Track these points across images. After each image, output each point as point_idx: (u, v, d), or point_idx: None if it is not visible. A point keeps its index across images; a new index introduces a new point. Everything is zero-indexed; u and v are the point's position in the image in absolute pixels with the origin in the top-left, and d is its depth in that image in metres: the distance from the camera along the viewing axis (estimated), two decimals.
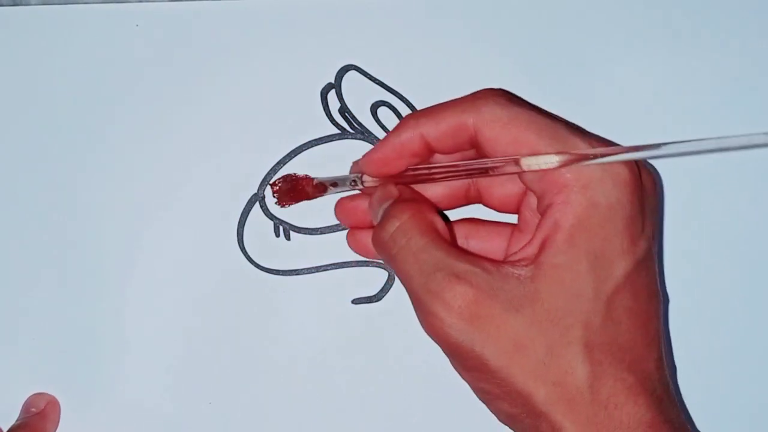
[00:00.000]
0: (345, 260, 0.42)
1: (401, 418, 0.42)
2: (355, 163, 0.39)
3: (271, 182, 0.41)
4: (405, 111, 0.43)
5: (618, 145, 0.34)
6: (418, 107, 0.42)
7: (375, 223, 0.36)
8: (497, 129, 0.34)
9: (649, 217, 0.33)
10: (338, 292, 0.42)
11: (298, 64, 0.43)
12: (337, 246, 0.42)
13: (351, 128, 0.43)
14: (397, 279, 0.42)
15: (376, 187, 0.38)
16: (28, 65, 0.43)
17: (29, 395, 0.42)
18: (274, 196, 0.41)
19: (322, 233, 0.43)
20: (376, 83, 0.43)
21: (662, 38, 0.43)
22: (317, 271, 0.42)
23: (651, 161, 0.41)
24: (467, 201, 0.39)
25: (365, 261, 0.42)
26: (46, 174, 0.42)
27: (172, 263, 0.42)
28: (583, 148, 0.33)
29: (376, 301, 0.42)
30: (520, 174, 0.34)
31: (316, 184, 0.40)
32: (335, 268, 0.42)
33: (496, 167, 0.34)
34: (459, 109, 0.35)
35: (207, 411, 0.42)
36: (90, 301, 0.42)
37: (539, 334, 0.32)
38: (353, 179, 0.39)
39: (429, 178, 0.37)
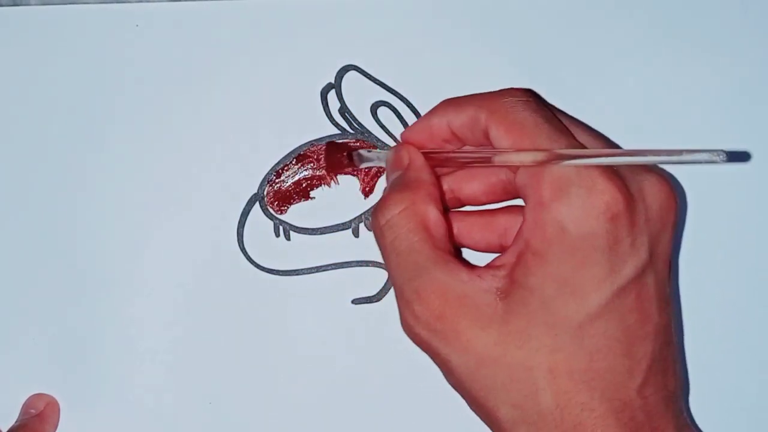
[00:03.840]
0: (345, 260, 0.42)
1: (401, 418, 0.42)
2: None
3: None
4: (405, 111, 0.43)
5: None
6: (418, 107, 0.43)
7: (390, 174, 0.37)
8: (501, 130, 0.34)
9: (642, 237, 0.32)
10: (338, 292, 0.42)
11: (298, 64, 0.43)
12: (337, 246, 0.42)
13: (351, 128, 0.43)
14: None
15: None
16: (28, 65, 0.43)
17: (28, 396, 0.42)
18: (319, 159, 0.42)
19: (322, 233, 0.42)
20: (376, 83, 0.43)
21: (663, 38, 0.43)
22: (317, 271, 0.42)
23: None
24: (507, 196, 0.38)
25: (365, 261, 0.42)
26: (45, 174, 0.42)
27: (172, 263, 0.42)
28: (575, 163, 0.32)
29: (376, 301, 0.42)
30: (515, 179, 0.34)
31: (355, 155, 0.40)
32: (335, 268, 0.42)
33: (485, 159, 0.34)
34: (477, 103, 0.35)
35: (207, 411, 0.42)
36: (90, 302, 0.42)
37: (503, 354, 0.32)
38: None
39: (441, 162, 0.37)
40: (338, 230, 0.42)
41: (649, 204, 0.32)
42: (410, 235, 0.34)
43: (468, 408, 0.34)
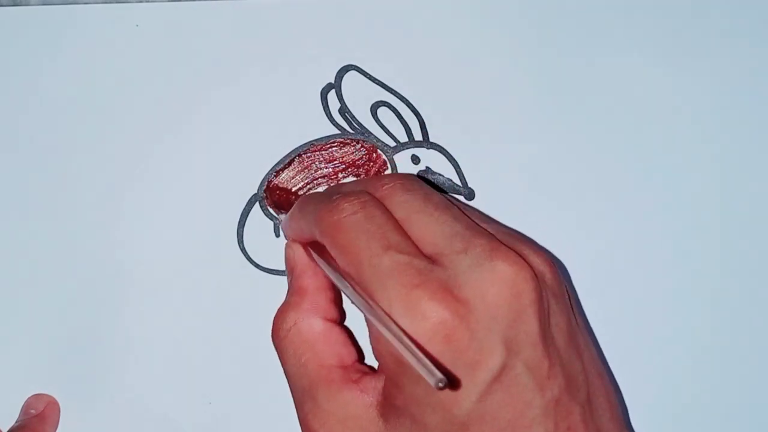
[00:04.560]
0: None
1: None
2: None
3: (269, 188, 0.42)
4: (405, 111, 0.43)
5: None
6: (418, 107, 0.42)
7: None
8: (334, 253, 0.34)
9: (491, 337, 0.30)
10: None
11: (298, 64, 0.43)
12: None
13: (351, 128, 0.43)
14: None
15: None
16: (28, 65, 0.43)
17: (29, 396, 0.42)
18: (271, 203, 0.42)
19: None
20: (376, 83, 0.43)
21: (663, 38, 0.43)
22: None
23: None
24: None
25: None
26: (45, 174, 0.42)
27: (172, 263, 0.42)
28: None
29: None
30: None
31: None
32: None
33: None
34: (312, 217, 0.34)
35: (207, 411, 0.42)
36: (90, 302, 0.42)
37: None
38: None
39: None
40: None
41: (493, 299, 0.31)
42: (296, 357, 0.35)
43: None
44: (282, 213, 0.42)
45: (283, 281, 0.42)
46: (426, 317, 0.30)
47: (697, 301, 0.42)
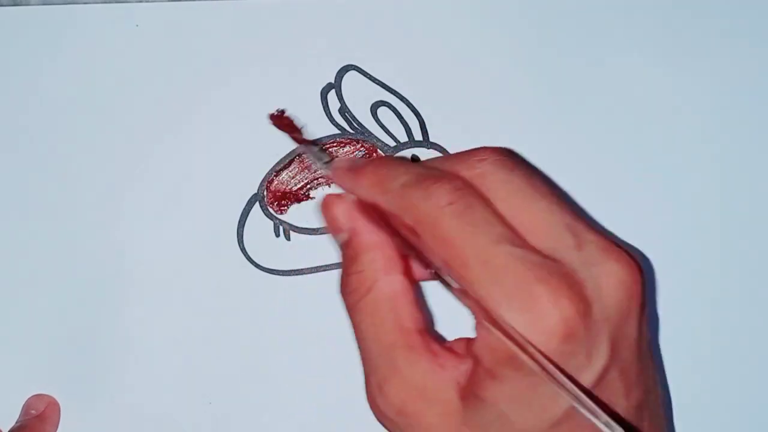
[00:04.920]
0: None
1: None
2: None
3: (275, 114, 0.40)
4: (405, 111, 0.43)
5: None
6: (418, 107, 0.42)
7: (332, 236, 0.34)
8: (429, 245, 0.30)
9: (601, 338, 0.29)
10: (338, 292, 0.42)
11: (298, 64, 0.43)
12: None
13: (351, 128, 0.43)
14: None
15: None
16: (28, 65, 0.43)
17: (29, 397, 0.42)
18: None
19: (322, 233, 0.42)
20: (376, 83, 0.43)
21: (663, 38, 0.43)
22: (317, 271, 0.42)
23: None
24: None
25: None
26: (46, 174, 0.42)
27: (173, 263, 0.42)
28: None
29: None
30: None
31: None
32: (335, 268, 0.42)
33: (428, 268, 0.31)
34: (403, 204, 0.30)
35: (207, 411, 0.42)
36: (90, 302, 0.42)
37: None
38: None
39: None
40: None
41: (607, 300, 0.29)
42: (375, 316, 0.32)
43: None
44: (285, 207, 0.42)
45: (283, 281, 0.42)
46: (549, 314, 0.28)
47: (697, 300, 0.42)
